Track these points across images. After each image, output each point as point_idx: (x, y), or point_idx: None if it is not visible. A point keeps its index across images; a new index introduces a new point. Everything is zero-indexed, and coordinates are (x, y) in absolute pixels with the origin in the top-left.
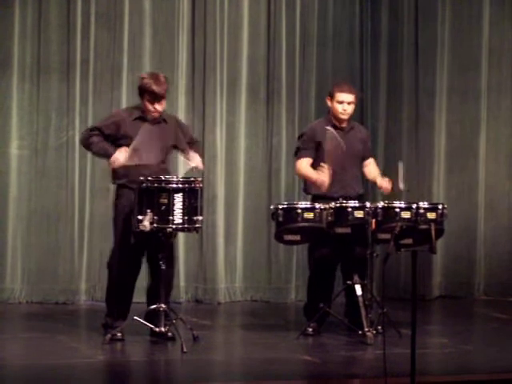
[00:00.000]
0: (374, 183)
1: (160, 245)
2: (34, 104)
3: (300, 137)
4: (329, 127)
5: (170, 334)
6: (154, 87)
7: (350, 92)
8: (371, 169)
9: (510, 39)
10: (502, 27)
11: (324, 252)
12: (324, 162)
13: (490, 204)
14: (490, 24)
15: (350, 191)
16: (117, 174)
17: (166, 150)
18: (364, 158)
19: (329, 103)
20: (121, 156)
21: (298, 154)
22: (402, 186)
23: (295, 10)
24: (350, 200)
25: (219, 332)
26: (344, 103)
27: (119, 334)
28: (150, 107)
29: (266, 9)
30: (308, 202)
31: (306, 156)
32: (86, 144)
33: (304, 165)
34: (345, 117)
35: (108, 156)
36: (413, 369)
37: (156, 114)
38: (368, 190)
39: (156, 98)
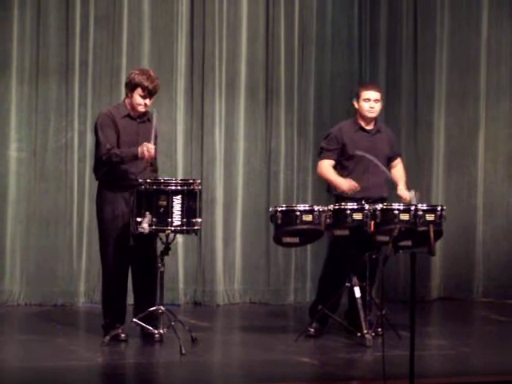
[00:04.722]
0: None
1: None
2: (32, 106)
3: (326, 137)
4: (357, 151)
5: (157, 335)
6: (148, 83)
7: (376, 90)
8: (398, 170)
9: (509, 41)
10: (501, 29)
11: (341, 258)
12: (348, 164)
13: (488, 205)
14: (488, 25)
15: (374, 194)
16: (101, 170)
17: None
18: (391, 159)
19: (355, 104)
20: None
21: (321, 154)
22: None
23: (294, 12)
24: (374, 203)
25: (218, 334)
26: (371, 101)
27: (123, 336)
28: (141, 102)
29: (264, 10)
30: (307, 205)
31: (328, 158)
32: (110, 160)
33: (326, 166)
34: (372, 115)
35: (135, 153)
36: (412, 371)
37: (143, 109)
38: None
39: (149, 93)
